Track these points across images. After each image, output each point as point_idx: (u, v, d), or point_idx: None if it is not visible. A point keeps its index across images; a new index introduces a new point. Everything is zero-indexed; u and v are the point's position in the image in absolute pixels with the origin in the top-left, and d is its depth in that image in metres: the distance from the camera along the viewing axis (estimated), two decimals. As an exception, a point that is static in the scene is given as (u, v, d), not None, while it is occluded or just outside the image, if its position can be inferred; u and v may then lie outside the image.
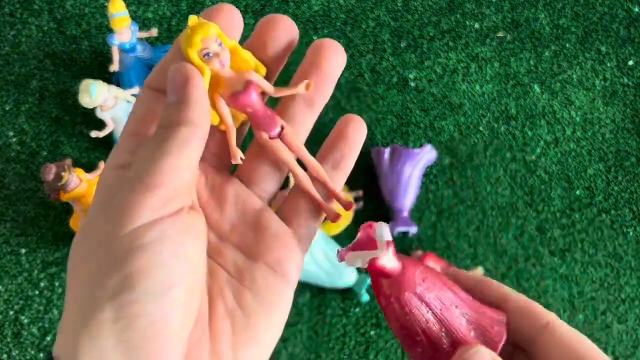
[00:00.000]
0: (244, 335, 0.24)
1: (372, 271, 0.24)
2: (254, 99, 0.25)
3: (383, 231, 0.24)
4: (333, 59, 0.28)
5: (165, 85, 0.24)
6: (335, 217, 0.26)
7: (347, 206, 0.27)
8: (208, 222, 0.25)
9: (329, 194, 0.27)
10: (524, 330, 0.24)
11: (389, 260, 0.23)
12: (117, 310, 0.21)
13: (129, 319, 0.21)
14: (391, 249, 0.23)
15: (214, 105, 0.25)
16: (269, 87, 0.26)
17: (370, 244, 0.24)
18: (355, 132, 0.28)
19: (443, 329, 0.23)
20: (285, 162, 0.26)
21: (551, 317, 0.24)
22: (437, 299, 0.24)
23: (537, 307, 0.25)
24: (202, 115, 0.23)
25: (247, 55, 0.26)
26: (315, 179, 0.27)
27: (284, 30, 0.28)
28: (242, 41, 0.28)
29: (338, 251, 0.24)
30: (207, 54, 0.24)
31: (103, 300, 0.21)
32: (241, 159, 0.26)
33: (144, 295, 0.21)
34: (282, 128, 0.26)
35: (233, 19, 0.26)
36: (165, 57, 0.26)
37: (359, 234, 0.24)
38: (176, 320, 0.22)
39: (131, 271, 0.21)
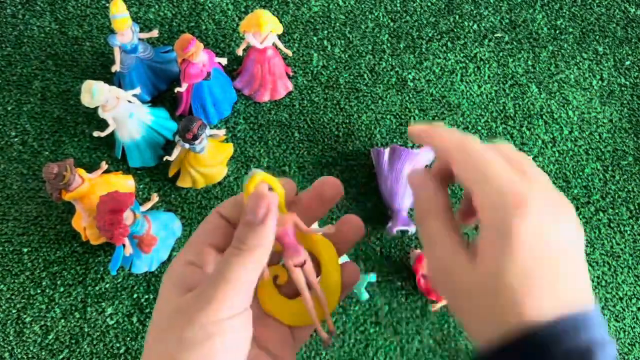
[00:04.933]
0: None
1: None
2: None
3: None
4: (335, 191, 0.34)
5: (226, 213, 0.33)
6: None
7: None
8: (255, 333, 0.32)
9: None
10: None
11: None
12: None
13: None
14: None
15: None
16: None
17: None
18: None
19: None
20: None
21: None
22: None
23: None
24: (272, 241, 0.31)
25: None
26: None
27: (333, 190, 0.34)
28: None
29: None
30: None
31: None
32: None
33: None
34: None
35: (292, 188, 0.34)
36: (232, 199, 0.34)
37: None
38: None
39: (208, 351, 0.27)
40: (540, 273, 0.27)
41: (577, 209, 0.75)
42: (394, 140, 0.77)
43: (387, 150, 0.72)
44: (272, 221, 0.30)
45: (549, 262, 0.27)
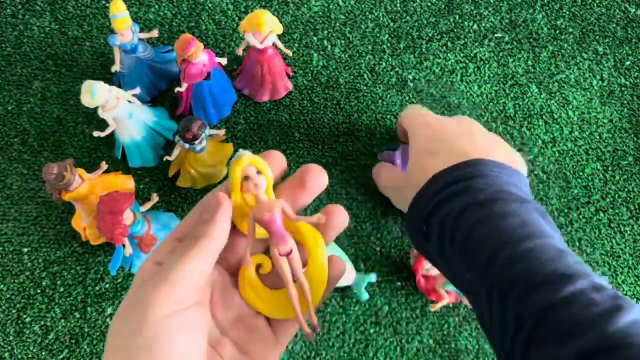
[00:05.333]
0: None
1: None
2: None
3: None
4: (319, 179, 0.35)
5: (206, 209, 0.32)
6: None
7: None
8: (214, 318, 0.33)
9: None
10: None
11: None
12: None
13: None
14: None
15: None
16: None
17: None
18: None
19: None
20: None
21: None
22: None
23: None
24: (220, 233, 0.31)
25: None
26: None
27: (315, 178, 0.35)
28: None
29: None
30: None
31: None
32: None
33: None
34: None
35: (279, 162, 0.34)
36: (220, 186, 0.34)
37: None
38: None
39: (156, 354, 0.27)
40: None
41: (577, 209, 0.75)
42: (394, 140, 0.77)
43: (398, 153, 0.71)
44: (222, 216, 0.30)
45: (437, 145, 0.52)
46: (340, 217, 0.34)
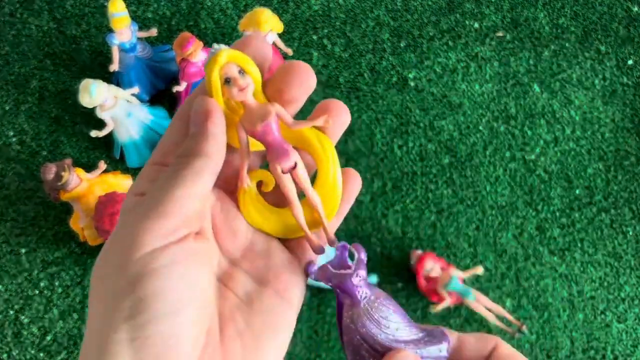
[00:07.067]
0: (253, 355, 0.26)
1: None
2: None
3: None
4: (343, 116, 0.29)
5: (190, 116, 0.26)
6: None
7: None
8: (221, 248, 0.27)
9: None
10: (473, 356, 0.27)
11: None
12: (133, 331, 0.22)
13: (144, 338, 0.22)
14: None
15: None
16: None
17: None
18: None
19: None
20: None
21: (498, 339, 0.27)
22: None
23: (486, 335, 0.28)
24: (217, 149, 0.25)
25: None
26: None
27: (301, 79, 0.28)
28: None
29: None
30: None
31: (119, 321, 0.22)
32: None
33: (157, 316, 0.23)
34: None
35: (262, 49, 0.28)
36: (196, 88, 0.28)
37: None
38: (188, 339, 0.23)
39: (144, 294, 0.22)
40: None
41: (579, 209, 0.75)
42: (394, 139, 0.77)
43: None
44: (215, 126, 0.25)
45: None
46: (343, 115, 0.28)
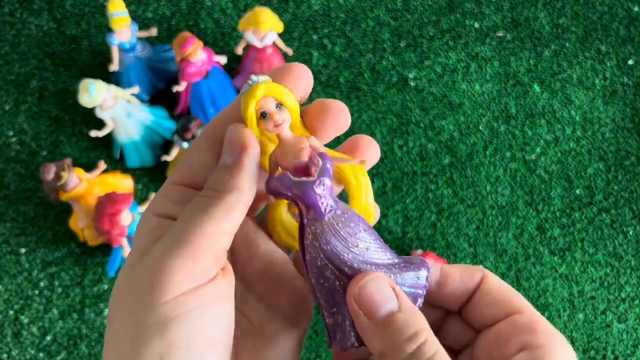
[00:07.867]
0: None
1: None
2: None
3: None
4: (373, 153, 0.29)
5: (221, 137, 0.25)
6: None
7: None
8: (236, 271, 0.26)
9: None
10: (457, 289, 0.26)
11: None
12: None
13: None
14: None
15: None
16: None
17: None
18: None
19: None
20: None
21: (485, 271, 0.26)
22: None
23: (472, 266, 0.27)
24: (251, 184, 0.24)
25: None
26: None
27: (338, 120, 0.28)
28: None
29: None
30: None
31: None
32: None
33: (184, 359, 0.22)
34: None
35: (303, 79, 0.26)
36: (225, 108, 0.26)
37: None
38: None
39: (174, 339, 0.22)
40: None
41: (579, 209, 0.75)
42: (394, 139, 0.77)
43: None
44: (248, 160, 0.24)
45: None
46: (374, 151, 0.28)
